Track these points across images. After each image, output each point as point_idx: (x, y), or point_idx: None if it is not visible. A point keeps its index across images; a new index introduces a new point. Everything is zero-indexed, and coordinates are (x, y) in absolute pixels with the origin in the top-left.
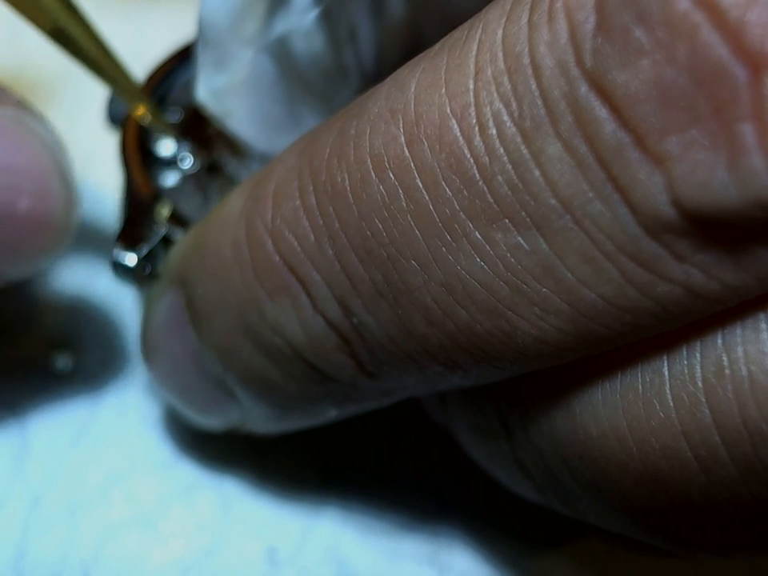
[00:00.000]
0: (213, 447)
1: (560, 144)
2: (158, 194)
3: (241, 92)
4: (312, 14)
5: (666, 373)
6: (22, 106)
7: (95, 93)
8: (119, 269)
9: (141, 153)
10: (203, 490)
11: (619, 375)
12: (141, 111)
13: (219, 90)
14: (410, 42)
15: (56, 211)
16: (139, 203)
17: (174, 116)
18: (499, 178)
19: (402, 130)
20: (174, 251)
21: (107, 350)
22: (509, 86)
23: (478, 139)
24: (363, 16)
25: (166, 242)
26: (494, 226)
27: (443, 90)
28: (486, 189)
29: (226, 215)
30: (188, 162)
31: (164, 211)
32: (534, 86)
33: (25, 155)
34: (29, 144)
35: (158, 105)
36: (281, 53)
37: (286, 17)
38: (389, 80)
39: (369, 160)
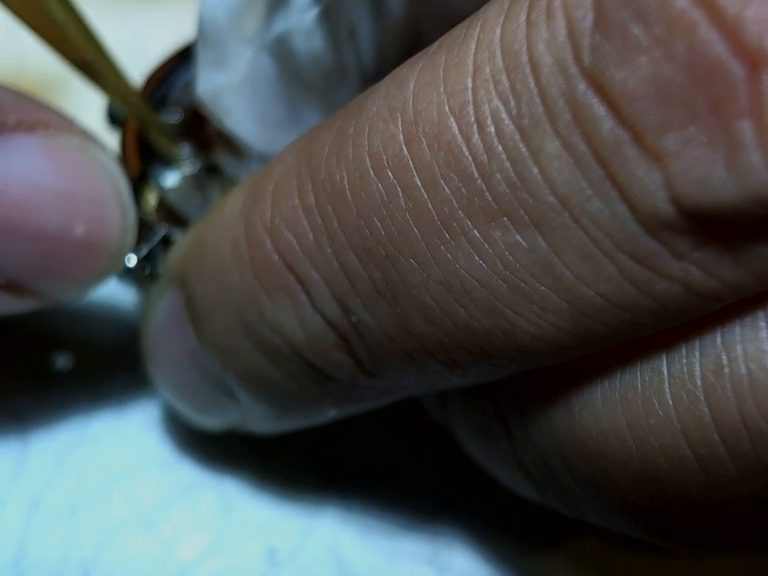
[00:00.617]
0: (213, 447)
1: (558, 142)
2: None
3: (240, 91)
4: (312, 13)
5: (665, 371)
6: (86, 135)
7: (95, 94)
8: None
9: (140, 152)
10: (203, 489)
11: (618, 374)
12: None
13: (219, 89)
14: (409, 41)
15: (111, 238)
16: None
17: (174, 116)
18: (498, 176)
19: (400, 129)
20: (174, 251)
21: (107, 350)
22: (507, 84)
23: (476, 137)
24: (363, 15)
25: (166, 242)
26: (493, 224)
27: (442, 88)
28: (484, 187)
29: (225, 215)
30: (187, 164)
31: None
32: (532, 84)
33: (84, 182)
34: (90, 172)
35: (158, 105)
36: (281, 51)
37: (285, 15)
38: (388, 78)
39: (367, 159)
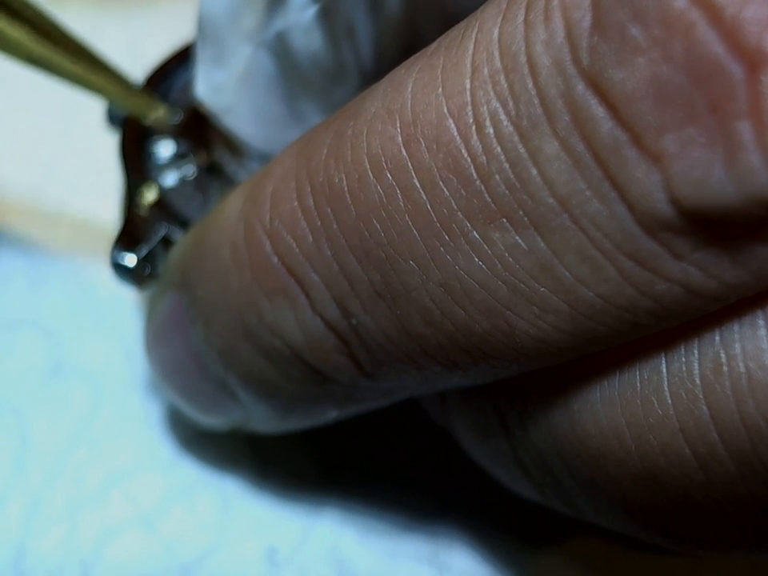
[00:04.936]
0: (213, 447)
1: (557, 143)
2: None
3: (239, 88)
4: (310, 11)
5: (664, 370)
6: None
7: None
8: (119, 269)
9: (139, 153)
10: (203, 489)
11: (617, 373)
12: (144, 114)
13: (218, 86)
14: (407, 39)
15: None
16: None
17: (174, 116)
18: (497, 177)
19: (399, 130)
20: (174, 253)
21: (107, 350)
22: (505, 85)
23: (475, 139)
24: (361, 13)
25: (166, 242)
26: (492, 225)
27: (440, 89)
28: (483, 188)
29: (224, 217)
30: (187, 164)
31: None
32: (530, 85)
33: None
34: None
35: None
36: (279, 49)
37: (284, 13)
38: (385, 80)
39: (366, 160)
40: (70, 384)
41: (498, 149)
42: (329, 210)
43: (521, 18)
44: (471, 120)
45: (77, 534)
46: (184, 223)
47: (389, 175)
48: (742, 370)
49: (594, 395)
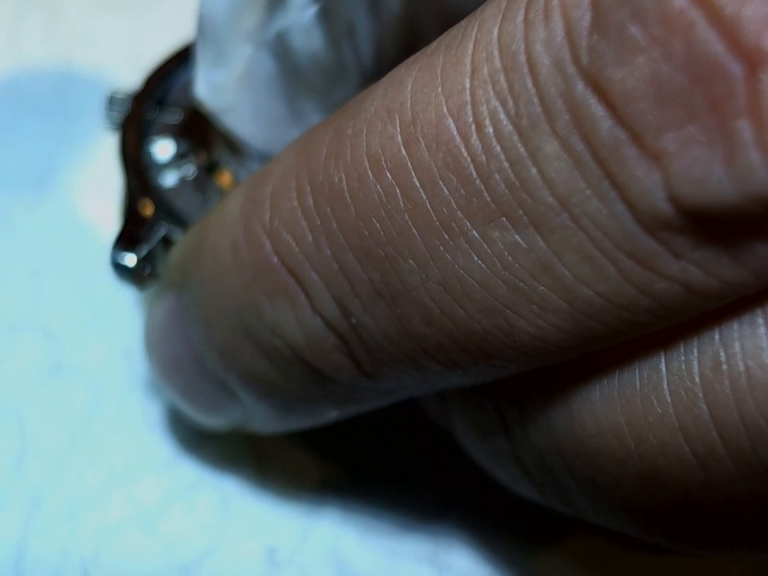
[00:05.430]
0: (213, 447)
1: (557, 142)
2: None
3: (239, 88)
4: (310, 11)
5: (664, 369)
6: None
7: (95, 93)
8: (119, 269)
9: (139, 153)
10: (203, 489)
11: (617, 372)
12: None
13: (218, 86)
14: (407, 38)
15: None
16: (138, 204)
17: (174, 116)
18: (496, 176)
19: (398, 130)
20: (174, 252)
21: (107, 350)
22: (505, 85)
23: (474, 138)
24: (361, 13)
25: (166, 242)
26: (492, 224)
27: (440, 88)
28: (483, 187)
29: (224, 217)
30: (187, 164)
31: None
32: (530, 84)
33: None
34: None
35: (158, 105)
36: (280, 49)
37: (284, 13)
38: (385, 79)
39: (366, 160)
40: (70, 384)
41: (498, 148)
42: (328, 210)
43: (520, 18)
44: (471, 119)
45: (77, 534)
46: (184, 223)
47: (388, 174)
48: (742, 368)
49: (594, 394)
